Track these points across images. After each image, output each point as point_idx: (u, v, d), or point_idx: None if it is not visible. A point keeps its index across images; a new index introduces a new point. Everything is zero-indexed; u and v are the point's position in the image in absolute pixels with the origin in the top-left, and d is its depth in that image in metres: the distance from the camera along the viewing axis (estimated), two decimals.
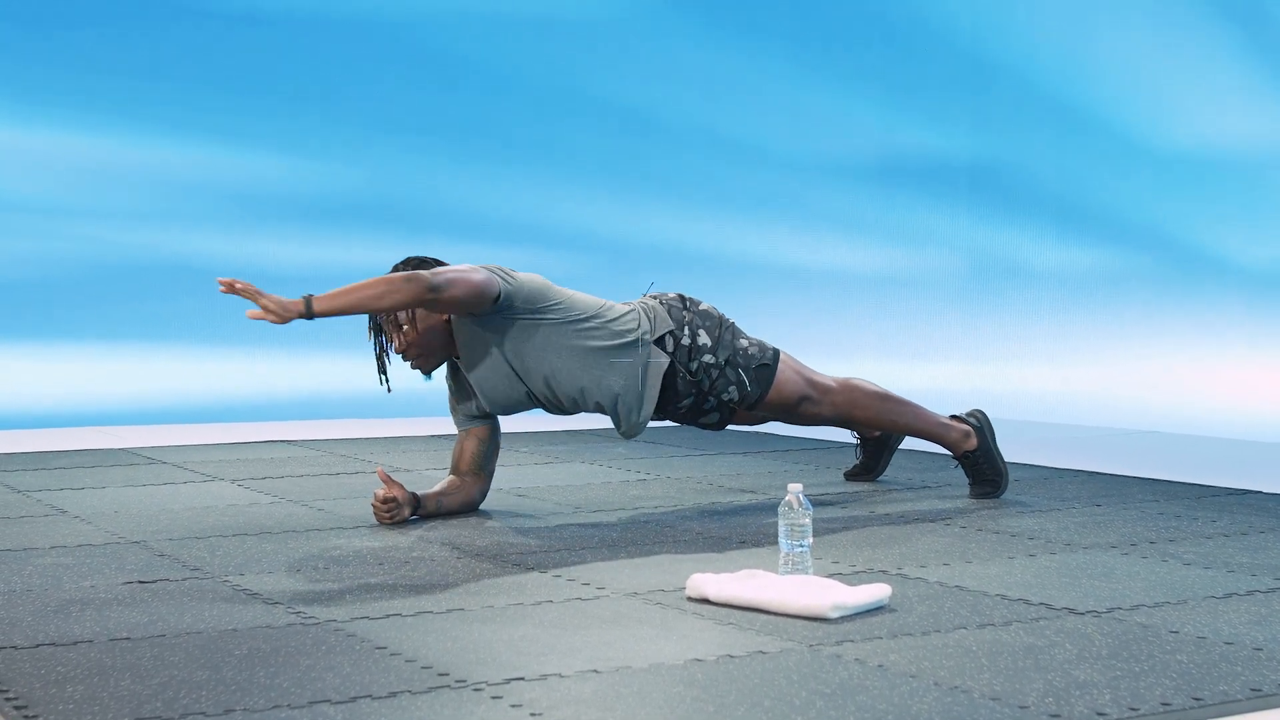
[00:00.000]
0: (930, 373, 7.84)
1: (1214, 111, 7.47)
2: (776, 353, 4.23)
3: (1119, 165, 7.83)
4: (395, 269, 3.97)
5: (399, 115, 8.43)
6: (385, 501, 3.97)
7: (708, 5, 8.78)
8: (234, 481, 4.95)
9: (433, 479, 4.95)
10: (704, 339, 4.12)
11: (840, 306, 8.52)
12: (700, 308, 4.17)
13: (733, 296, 8.22)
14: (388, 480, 4.00)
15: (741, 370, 4.15)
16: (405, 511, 4.01)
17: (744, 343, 4.18)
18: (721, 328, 4.16)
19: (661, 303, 4.14)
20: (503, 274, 3.91)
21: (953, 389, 7.25)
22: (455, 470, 4.22)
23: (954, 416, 4.40)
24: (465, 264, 3.89)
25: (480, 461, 4.20)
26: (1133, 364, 7.50)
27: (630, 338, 4.02)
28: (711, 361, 4.12)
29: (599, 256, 8.58)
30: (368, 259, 8.12)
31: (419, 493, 4.09)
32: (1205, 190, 7.56)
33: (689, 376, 4.11)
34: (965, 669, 2.47)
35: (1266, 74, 7.28)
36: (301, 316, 3.58)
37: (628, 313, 4.06)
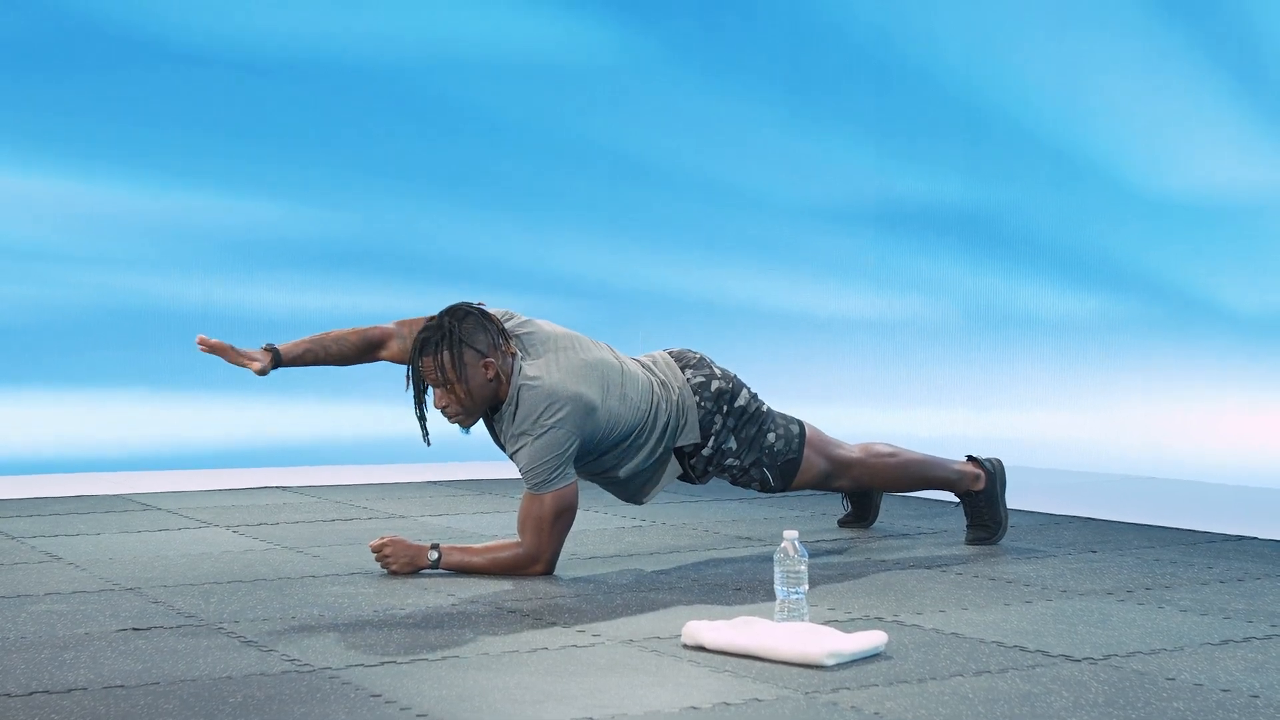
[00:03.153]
0: (926, 420, 7.84)
1: (1209, 158, 7.50)
2: (802, 439, 4.16)
3: (1114, 212, 7.85)
4: (443, 315, 3.76)
5: (394, 161, 8.46)
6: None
7: (703, 52, 8.82)
8: (229, 528, 4.94)
9: (429, 526, 4.94)
10: (730, 444, 4.07)
11: (836, 353, 8.52)
12: (736, 404, 4.07)
13: (727, 343, 8.24)
14: (220, 348, 3.78)
15: (766, 469, 4.13)
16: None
17: (771, 438, 4.11)
18: (751, 424, 4.09)
19: (700, 401, 4.02)
20: (561, 467, 3.75)
21: (948, 436, 7.25)
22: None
23: (972, 458, 4.40)
24: (532, 444, 3.73)
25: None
26: (1128, 410, 7.50)
27: (662, 445, 3.99)
28: (735, 464, 4.10)
29: (594, 302, 8.59)
30: (362, 305, 8.13)
31: (278, 346, 3.85)
32: (1201, 237, 7.57)
33: (704, 478, 4.12)
34: (961, 716, 2.47)
35: (1260, 121, 7.31)
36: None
37: (665, 416, 3.96)
